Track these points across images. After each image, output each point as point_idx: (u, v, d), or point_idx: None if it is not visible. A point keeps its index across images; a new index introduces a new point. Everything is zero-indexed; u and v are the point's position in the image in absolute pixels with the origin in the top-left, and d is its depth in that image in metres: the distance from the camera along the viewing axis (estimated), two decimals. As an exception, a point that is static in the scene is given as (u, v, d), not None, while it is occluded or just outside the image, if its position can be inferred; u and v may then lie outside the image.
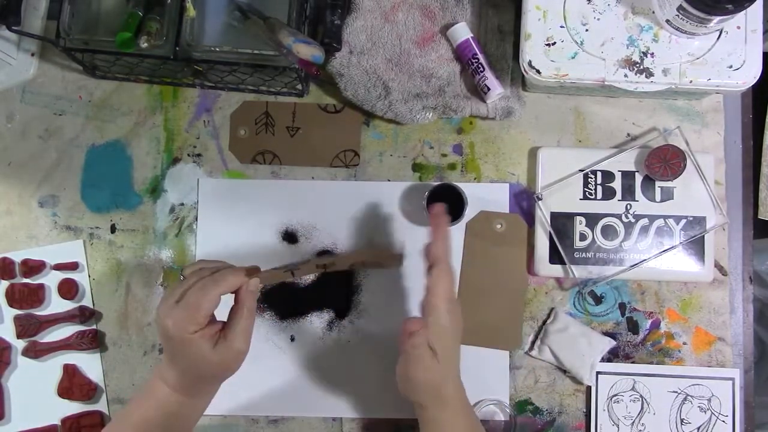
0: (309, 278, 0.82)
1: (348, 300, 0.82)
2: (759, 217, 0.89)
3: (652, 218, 0.80)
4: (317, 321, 0.82)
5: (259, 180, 0.84)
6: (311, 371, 0.81)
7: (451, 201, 0.77)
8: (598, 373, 0.80)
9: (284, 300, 0.82)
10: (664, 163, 0.78)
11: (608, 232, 0.80)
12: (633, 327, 0.81)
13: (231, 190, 0.83)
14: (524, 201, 0.83)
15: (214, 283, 0.64)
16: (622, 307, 0.82)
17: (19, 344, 0.84)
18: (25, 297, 0.83)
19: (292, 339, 0.81)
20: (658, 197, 0.81)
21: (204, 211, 0.83)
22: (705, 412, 0.80)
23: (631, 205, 0.80)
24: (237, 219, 0.83)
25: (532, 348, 0.81)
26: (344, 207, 0.82)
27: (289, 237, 0.82)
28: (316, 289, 0.82)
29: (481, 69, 0.80)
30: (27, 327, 0.83)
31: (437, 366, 0.65)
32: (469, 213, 0.82)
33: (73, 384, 0.82)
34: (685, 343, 0.81)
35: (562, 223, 0.80)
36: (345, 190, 0.83)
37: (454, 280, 0.68)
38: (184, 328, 0.63)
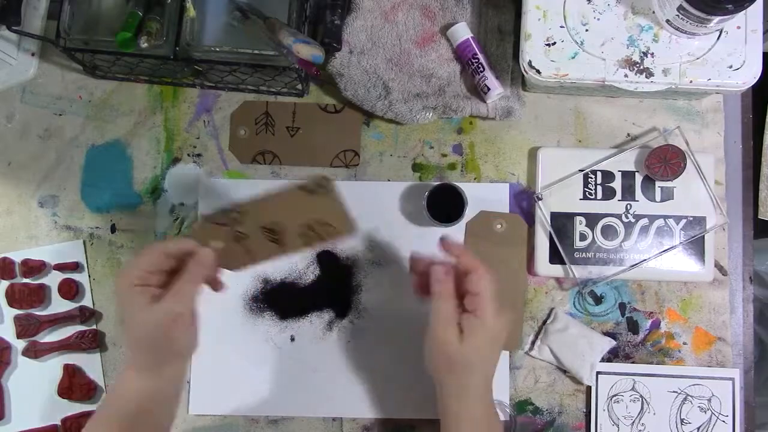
0: (309, 278, 0.82)
1: (348, 300, 0.82)
2: (759, 217, 0.89)
3: (652, 218, 0.80)
4: (317, 321, 0.82)
5: (259, 180, 0.84)
6: (311, 371, 0.81)
7: (451, 201, 0.77)
8: (598, 373, 0.80)
9: (284, 300, 0.82)
10: (664, 163, 0.78)
11: (608, 232, 0.80)
12: (633, 327, 0.81)
13: (231, 190, 0.83)
14: (524, 201, 0.83)
15: (161, 242, 0.65)
16: (622, 307, 0.82)
17: (20, 344, 0.84)
18: (25, 297, 0.83)
19: (292, 339, 0.81)
20: (658, 197, 0.81)
21: (204, 212, 0.83)
22: (705, 412, 0.80)
23: (631, 205, 0.80)
24: None
25: (532, 348, 0.81)
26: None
27: None
28: (316, 289, 0.82)
29: (481, 69, 0.80)
30: (27, 327, 0.83)
31: (457, 345, 0.63)
32: (469, 213, 0.82)
33: (73, 384, 0.82)
34: (685, 343, 0.81)
35: (562, 223, 0.80)
36: (345, 190, 0.82)
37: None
38: (124, 281, 0.62)
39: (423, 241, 0.80)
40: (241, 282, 0.82)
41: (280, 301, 0.82)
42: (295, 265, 0.82)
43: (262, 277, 0.82)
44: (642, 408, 0.80)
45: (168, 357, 0.66)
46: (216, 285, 0.69)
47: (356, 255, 0.82)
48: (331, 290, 0.82)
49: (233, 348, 0.81)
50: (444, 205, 0.76)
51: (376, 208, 0.82)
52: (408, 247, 0.82)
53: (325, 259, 0.82)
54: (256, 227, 0.70)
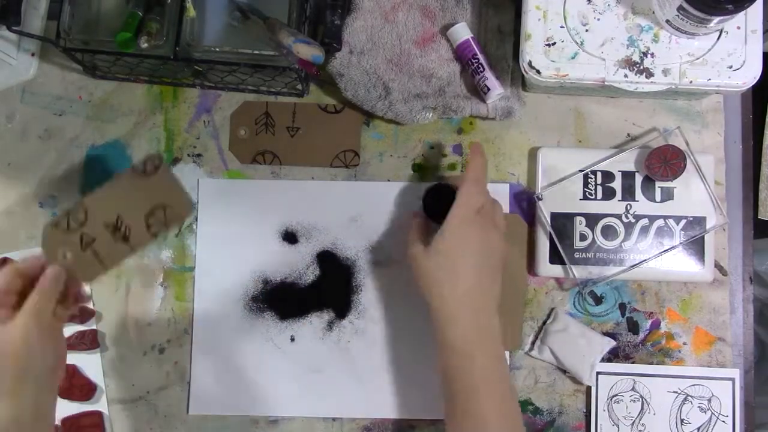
0: (309, 278, 0.82)
1: (348, 300, 0.82)
2: (759, 217, 0.89)
3: (652, 218, 0.80)
4: (317, 321, 0.82)
5: (259, 180, 0.84)
6: (311, 371, 0.81)
7: (449, 201, 0.75)
8: (598, 373, 0.80)
9: (284, 300, 0.82)
10: (664, 163, 0.78)
11: (608, 232, 0.80)
12: (633, 327, 0.81)
13: (231, 190, 0.83)
14: (524, 201, 0.83)
15: (10, 263, 0.65)
16: (622, 307, 0.82)
17: (19, 344, 0.84)
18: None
19: (292, 339, 0.81)
20: (658, 197, 0.81)
21: (204, 212, 0.83)
22: (705, 412, 0.80)
23: (631, 206, 0.80)
24: (237, 219, 0.83)
25: (532, 348, 0.81)
26: (344, 207, 0.82)
27: (290, 237, 0.82)
28: (316, 289, 0.82)
29: (481, 69, 0.80)
30: (27, 327, 0.83)
31: (425, 259, 0.65)
32: (469, 213, 0.82)
33: (73, 384, 0.82)
34: (685, 343, 0.81)
35: (562, 223, 0.80)
36: (345, 190, 0.82)
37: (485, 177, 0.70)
38: None
39: None
40: (240, 282, 0.82)
41: (280, 301, 0.82)
42: (296, 265, 0.82)
43: (262, 277, 0.82)
44: (642, 408, 0.80)
45: (22, 380, 0.61)
46: (77, 300, 0.68)
47: (356, 255, 0.82)
48: (331, 290, 0.82)
49: (233, 348, 0.81)
50: (441, 204, 0.75)
51: (375, 208, 0.82)
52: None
53: (325, 259, 0.82)
54: (100, 226, 0.66)
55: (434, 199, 0.78)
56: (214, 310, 0.79)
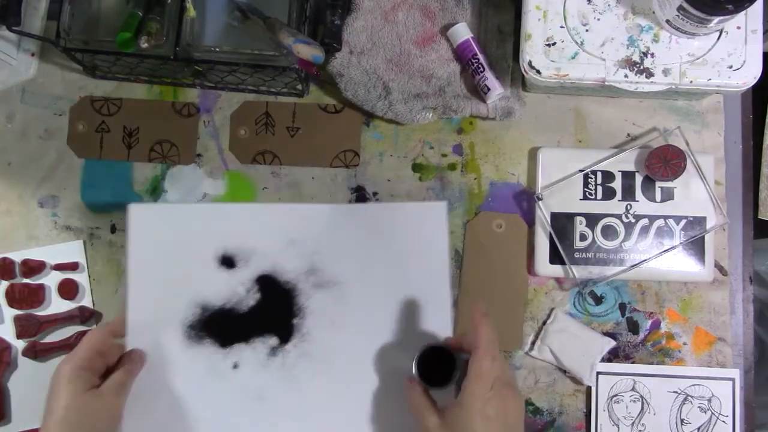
0: (250, 303, 0.77)
1: (290, 324, 0.77)
2: (759, 217, 0.89)
3: (653, 218, 0.80)
4: (261, 347, 0.76)
5: (193, 204, 0.81)
6: (257, 400, 0.76)
7: (447, 363, 0.67)
8: (598, 373, 0.80)
9: (225, 326, 0.77)
10: (664, 163, 0.78)
11: (608, 232, 0.80)
12: (633, 327, 0.81)
13: (163, 216, 0.77)
14: (524, 201, 0.83)
15: (102, 326, 0.69)
16: (622, 307, 0.82)
17: (20, 344, 0.84)
18: (25, 297, 0.83)
19: (235, 366, 0.76)
20: (658, 197, 0.81)
21: (135, 239, 0.75)
22: (705, 412, 0.80)
23: (631, 206, 0.80)
24: (171, 245, 0.76)
25: (532, 348, 0.81)
26: (282, 230, 0.77)
27: (227, 262, 0.77)
28: (257, 314, 0.77)
29: (481, 69, 0.80)
30: (27, 327, 0.83)
31: None
32: (469, 214, 0.82)
33: (73, 384, 0.82)
34: (685, 344, 0.81)
35: (562, 223, 0.80)
36: (283, 213, 0.78)
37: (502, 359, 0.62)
38: (71, 364, 0.64)
39: (363, 262, 0.76)
40: (178, 310, 0.76)
41: (220, 327, 0.77)
42: (235, 289, 0.77)
43: (200, 303, 0.76)
44: (642, 408, 0.80)
45: None
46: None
47: (297, 278, 0.77)
48: (273, 315, 0.77)
49: (173, 378, 0.75)
50: (438, 368, 0.67)
51: (314, 230, 0.77)
52: (349, 268, 0.76)
53: (266, 284, 0.78)
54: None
55: (429, 363, 0.68)
56: (150, 341, 0.74)
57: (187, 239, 0.77)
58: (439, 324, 0.72)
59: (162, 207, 0.81)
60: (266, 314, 0.77)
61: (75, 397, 0.63)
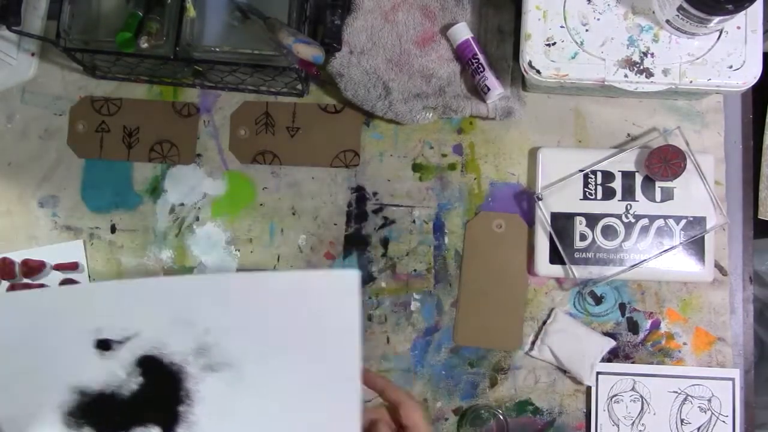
0: (132, 387, 0.69)
1: (175, 411, 0.69)
2: (759, 217, 0.89)
3: (652, 218, 0.80)
4: None
5: (59, 287, 0.74)
6: None
7: None
8: (598, 373, 0.80)
9: (104, 413, 0.70)
10: (664, 163, 0.78)
11: (608, 232, 0.80)
12: (633, 327, 0.81)
13: (27, 304, 0.71)
14: (524, 201, 0.83)
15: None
16: (622, 307, 0.82)
17: (19, 344, 0.84)
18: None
19: None
20: (658, 197, 0.81)
21: None
22: (705, 412, 0.80)
23: (631, 206, 0.80)
24: (40, 331, 0.70)
25: (532, 348, 0.81)
26: (165, 306, 0.70)
27: (103, 344, 0.70)
28: (138, 400, 0.70)
29: (481, 69, 0.80)
30: (27, 327, 0.83)
31: None
32: (469, 214, 0.82)
33: (73, 384, 0.82)
34: (685, 344, 0.81)
35: (562, 223, 0.80)
36: (167, 289, 0.70)
37: None
38: None
39: (262, 341, 0.68)
40: (54, 397, 0.69)
41: (101, 415, 0.70)
42: (115, 372, 0.70)
43: (78, 387, 0.69)
44: (642, 408, 0.80)
45: None
46: None
47: (185, 359, 0.69)
48: (156, 401, 0.69)
49: None
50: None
51: (204, 306, 0.69)
52: (246, 348, 0.69)
53: (148, 366, 0.70)
54: None
55: None
56: (26, 425, 0.68)
57: (56, 324, 0.69)
58: (345, 412, 0.64)
59: (22, 295, 0.72)
60: (149, 400, 0.69)
61: None
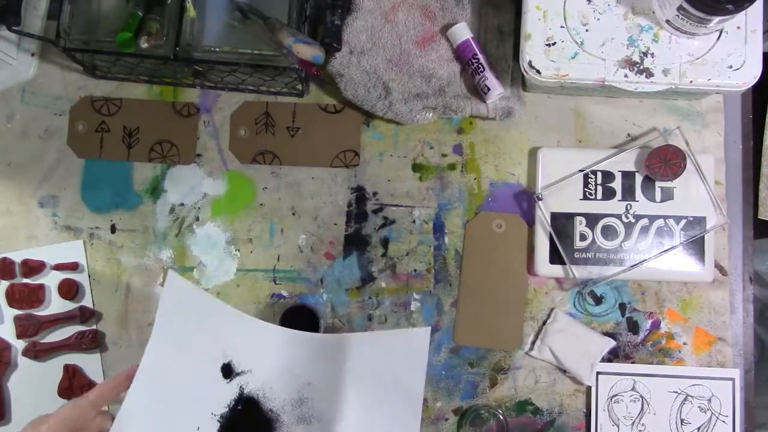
0: (230, 418, 0.71)
1: None
2: (759, 217, 0.89)
3: (652, 218, 0.80)
4: None
5: (214, 299, 0.75)
6: None
7: (308, 320, 0.78)
8: (598, 373, 0.80)
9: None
10: (664, 163, 0.78)
11: (608, 232, 0.80)
12: (633, 327, 0.81)
13: (192, 297, 0.72)
14: (524, 201, 0.83)
15: (76, 400, 0.64)
16: (622, 307, 0.82)
17: (20, 344, 0.84)
18: (25, 297, 0.83)
19: None
20: (658, 197, 0.81)
21: (165, 309, 0.70)
22: (705, 412, 0.80)
23: (631, 206, 0.80)
24: (191, 328, 0.71)
25: (532, 348, 0.81)
26: (284, 356, 0.73)
27: (225, 370, 0.72)
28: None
29: (481, 69, 0.80)
30: (27, 327, 0.83)
31: None
32: (469, 214, 0.82)
33: (73, 384, 0.82)
34: (685, 344, 0.81)
35: (562, 223, 0.80)
36: (287, 338, 0.72)
37: None
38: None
39: (348, 398, 0.70)
40: (184, 412, 0.70)
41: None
42: (223, 400, 0.72)
43: (208, 410, 0.71)
44: (642, 408, 0.80)
45: None
46: None
47: (283, 408, 0.72)
48: None
49: None
50: (301, 323, 0.74)
51: (311, 361, 0.72)
52: (335, 404, 0.71)
53: (250, 407, 0.73)
54: None
55: (294, 319, 0.76)
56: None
57: (203, 327, 0.72)
58: None
59: (196, 292, 0.74)
60: None
61: None
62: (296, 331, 0.73)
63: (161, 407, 0.68)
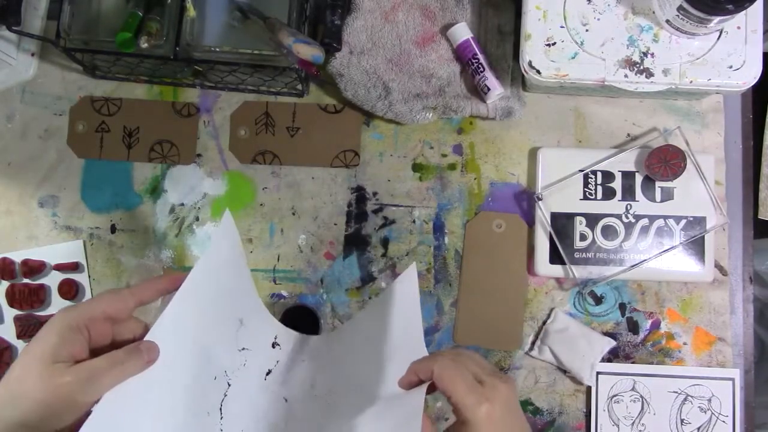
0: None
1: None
2: (759, 217, 0.89)
3: (653, 218, 0.80)
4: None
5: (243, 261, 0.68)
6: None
7: (308, 319, 0.78)
8: (598, 373, 0.80)
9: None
10: (664, 163, 0.78)
11: (608, 232, 0.80)
12: (633, 327, 0.81)
13: (239, 252, 0.67)
14: (524, 201, 0.83)
15: (119, 290, 0.56)
16: (622, 307, 0.82)
17: (20, 345, 0.84)
18: (26, 297, 0.83)
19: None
20: (658, 197, 0.81)
21: (216, 246, 0.64)
22: (705, 412, 0.80)
23: (631, 206, 0.80)
24: (229, 277, 0.65)
25: (532, 348, 0.81)
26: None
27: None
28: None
29: (481, 69, 0.80)
30: (27, 327, 0.83)
31: None
32: (469, 214, 0.82)
33: (73, 384, 0.82)
34: (685, 344, 0.81)
35: (562, 223, 0.80)
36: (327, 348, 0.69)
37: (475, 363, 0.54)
38: (58, 316, 0.53)
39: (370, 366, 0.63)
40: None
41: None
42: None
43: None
44: (642, 408, 0.80)
45: None
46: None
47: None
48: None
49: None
50: (301, 323, 0.72)
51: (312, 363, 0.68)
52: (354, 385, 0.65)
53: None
54: None
55: (294, 319, 0.74)
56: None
57: (233, 280, 0.66)
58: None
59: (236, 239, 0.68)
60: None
61: (33, 364, 0.50)
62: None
63: (200, 328, 0.62)
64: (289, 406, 0.66)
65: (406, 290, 0.65)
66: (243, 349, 0.66)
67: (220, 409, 0.63)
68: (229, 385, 0.64)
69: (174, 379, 0.58)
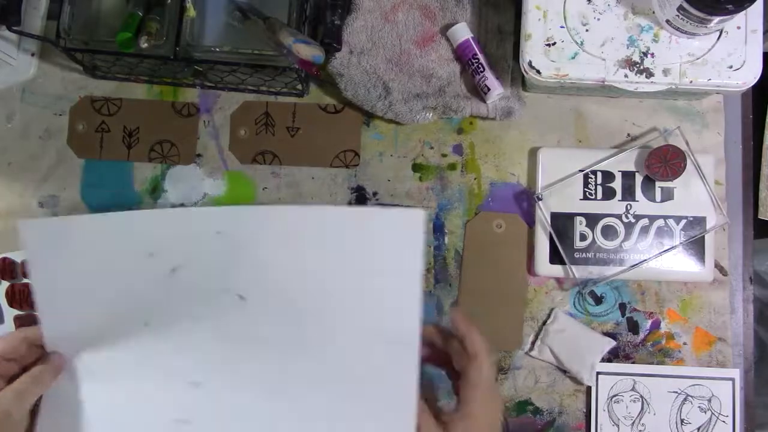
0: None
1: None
2: (759, 217, 0.89)
3: (653, 218, 0.80)
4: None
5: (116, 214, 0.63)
6: None
7: None
8: (598, 373, 0.80)
9: None
10: (664, 163, 0.78)
11: (608, 232, 0.80)
12: (633, 327, 0.81)
13: (64, 231, 0.65)
14: (524, 201, 0.83)
15: (28, 329, 0.60)
16: (622, 307, 0.82)
17: (19, 344, 0.84)
18: (26, 297, 0.83)
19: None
20: (658, 197, 0.81)
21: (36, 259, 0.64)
22: (705, 412, 0.80)
23: (631, 206, 0.80)
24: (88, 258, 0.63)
25: (532, 348, 0.81)
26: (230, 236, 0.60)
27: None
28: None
29: (481, 69, 0.80)
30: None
31: None
32: (469, 214, 0.82)
33: (73, 384, 0.82)
34: (685, 344, 0.81)
35: (562, 223, 0.80)
36: (228, 215, 0.60)
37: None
38: None
39: (322, 280, 0.59)
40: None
41: None
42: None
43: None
44: (642, 408, 0.80)
45: None
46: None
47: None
48: None
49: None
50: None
51: (263, 238, 0.60)
52: (305, 287, 0.59)
53: None
54: None
55: None
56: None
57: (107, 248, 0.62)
58: (404, 358, 0.58)
59: (58, 221, 0.66)
60: None
61: None
62: (228, 207, 0.61)
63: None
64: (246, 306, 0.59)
65: (409, 230, 0.57)
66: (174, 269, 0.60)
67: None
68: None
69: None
